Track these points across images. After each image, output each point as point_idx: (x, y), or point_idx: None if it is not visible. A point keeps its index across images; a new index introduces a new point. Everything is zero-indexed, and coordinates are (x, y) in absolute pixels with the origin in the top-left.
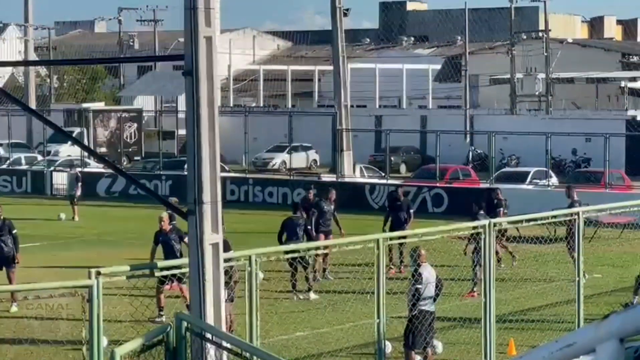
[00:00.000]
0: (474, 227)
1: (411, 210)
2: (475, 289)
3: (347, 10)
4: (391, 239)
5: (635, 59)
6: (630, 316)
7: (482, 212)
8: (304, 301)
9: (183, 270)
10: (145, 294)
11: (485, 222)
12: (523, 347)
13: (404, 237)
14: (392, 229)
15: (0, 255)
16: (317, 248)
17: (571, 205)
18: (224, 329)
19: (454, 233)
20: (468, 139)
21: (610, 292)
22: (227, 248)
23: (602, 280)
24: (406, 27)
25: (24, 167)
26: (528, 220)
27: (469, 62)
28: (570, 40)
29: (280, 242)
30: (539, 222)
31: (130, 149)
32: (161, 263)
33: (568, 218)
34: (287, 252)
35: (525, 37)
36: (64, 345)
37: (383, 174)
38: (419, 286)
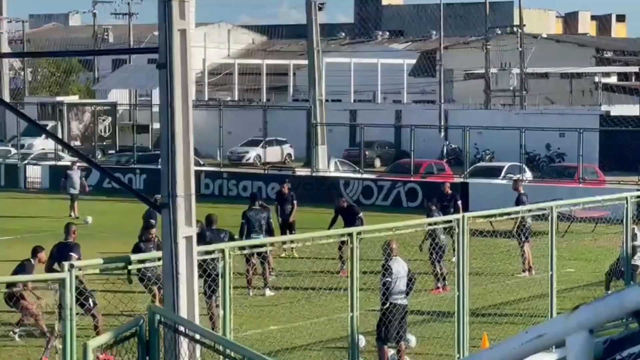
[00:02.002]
0: (448, 221)
1: (294, 201)
2: (439, 284)
3: (322, 4)
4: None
5: (609, 54)
6: (600, 307)
7: (434, 207)
8: (273, 296)
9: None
10: (118, 288)
11: (458, 216)
12: (496, 341)
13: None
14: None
15: None
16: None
17: (518, 199)
18: (197, 321)
19: (427, 227)
20: (442, 134)
21: (583, 286)
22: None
23: (575, 275)
24: (381, 22)
25: None
26: (502, 215)
27: (443, 57)
28: (544, 36)
29: (242, 236)
30: (512, 216)
31: (104, 143)
32: (135, 256)
33: (540, 212)
34: (242, 248)
35: (499, 32)
36: (37, 338)
37: (358, 168)
38: (388, 279)
